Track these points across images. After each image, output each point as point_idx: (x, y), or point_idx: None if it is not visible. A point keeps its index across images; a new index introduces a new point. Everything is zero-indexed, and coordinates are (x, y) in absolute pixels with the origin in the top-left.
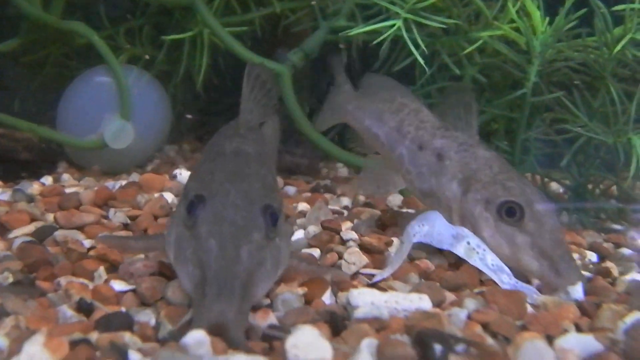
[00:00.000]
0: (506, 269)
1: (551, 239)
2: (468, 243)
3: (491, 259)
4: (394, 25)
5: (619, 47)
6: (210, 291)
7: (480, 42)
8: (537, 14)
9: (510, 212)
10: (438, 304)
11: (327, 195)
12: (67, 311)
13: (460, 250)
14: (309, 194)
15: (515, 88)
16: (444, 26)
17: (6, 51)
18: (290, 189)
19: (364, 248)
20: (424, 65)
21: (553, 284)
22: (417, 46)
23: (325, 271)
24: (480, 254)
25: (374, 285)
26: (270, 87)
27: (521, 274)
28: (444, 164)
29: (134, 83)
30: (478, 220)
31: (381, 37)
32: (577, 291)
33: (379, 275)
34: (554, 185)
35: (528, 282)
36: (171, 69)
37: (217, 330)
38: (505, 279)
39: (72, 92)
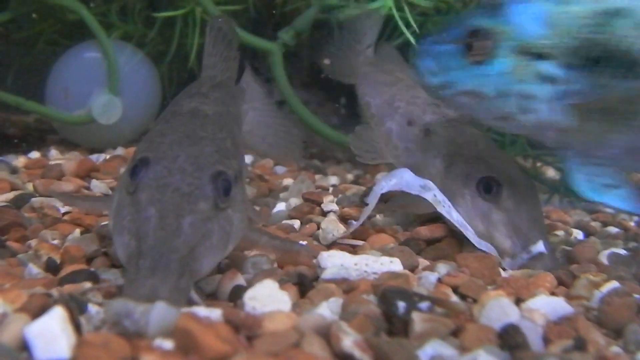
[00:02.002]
0: (470, 228)
1: (528, 217)
2: (435, 195)
3: (456, 215)
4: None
5: None
6: (144, 265)
7: None
8: None
9: (488, 188)
10: (410, 268)
11: (317, 176)
12: (34, 268)
13: (428, 196)
14: (296, 172)
15: None
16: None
17: None
18: (280, 169)
19: (343, 219)
20: (415, 44)
21: (525, 264)
22: (408, 25)
23: (289, 246)
24: (445, 208)
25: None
26: (231, 39)
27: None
28: (431, 139)
29: (124, 60)
30: (455, 195)
31: None
32: (539, 246)
33: (344, 232)
34: (551, 172)
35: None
36: (164, 47)
37: None
38: (470, 235)
39: (60, 66)
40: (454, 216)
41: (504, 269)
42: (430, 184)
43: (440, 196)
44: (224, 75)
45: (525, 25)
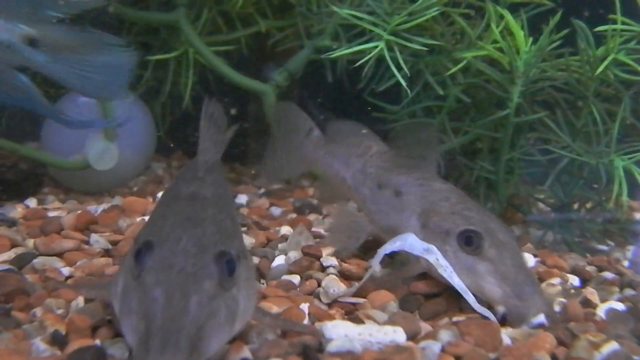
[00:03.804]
0: (470, 293)
1: (513, 264)
2: (437, 259)
3: (457, 280)
4: (376, 46)
5: (600, 69)
6: (154, 345)
7: (465, 62)
8: (520, 34)
9: (469, 241)
10: (412, 336)
11: (312, 216)
12: (40, 345)
13: (431, 259)
14: (293, 215)
15: (500, 107)
16: (426, 48)
17: None
18: (275, 210)
19: (344, 275)
20: (406, 87)
21: (518, 308)
22: (400, 67)
23: (292, 327)
24: (447, 272)
25: (351, 315)
26: (220, 124)
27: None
28: (402, 199)
29: (118, 104)
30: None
31: (364, 59)
32: (540, 318)
33: (344, 292)
34: (541, 205)
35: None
36: (158, 86)
37: None
38: (470, 300)
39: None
40: (456, 281)
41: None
42: (434, 248)
43: (443, 261)
44: (216, 157)
45: None
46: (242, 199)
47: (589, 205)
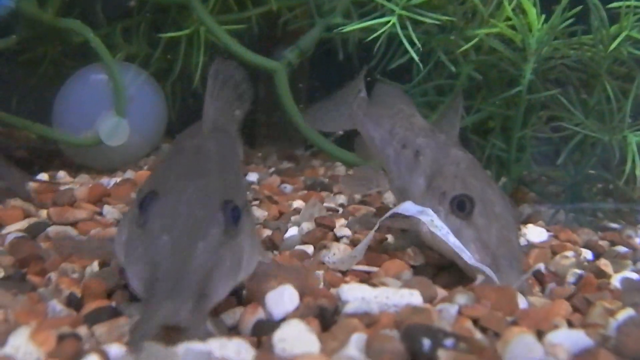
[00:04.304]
0: (467, 251)
1: (498, 236)
2: (432, 220)
3: (453, 239)
4: (388, 22)
5: (614, 45)
6: (161, 289)
7: (477, 39)
8: (533, 12)
9: (461, 206)
10: (429, 299)
11: (324, 193)
12: (57, 305)
13: (426, 220)
14: (305, 192)
15: (512, 86)
16: (439, 23)
17: (4, 49)
18: (287, 187)
19: (356, 245)
20: (419, 63)
21: (490, 278)
22: (412, 44)
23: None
24: (443, 232)
25: (363, 280)
26: (238, 82)
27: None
28: (419, 160)
29: (130, 81)
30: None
31: (375, 34)
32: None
33: (341, 262)
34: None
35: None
36: (168, 66)
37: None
38: (467, 255)
39: (67, 89)
40: (451, 239)
41: None
42: (430, 210)
43: (438, 221)
44: (227, 117)
45: None
46: (252, 177)
47: (600, 185)
